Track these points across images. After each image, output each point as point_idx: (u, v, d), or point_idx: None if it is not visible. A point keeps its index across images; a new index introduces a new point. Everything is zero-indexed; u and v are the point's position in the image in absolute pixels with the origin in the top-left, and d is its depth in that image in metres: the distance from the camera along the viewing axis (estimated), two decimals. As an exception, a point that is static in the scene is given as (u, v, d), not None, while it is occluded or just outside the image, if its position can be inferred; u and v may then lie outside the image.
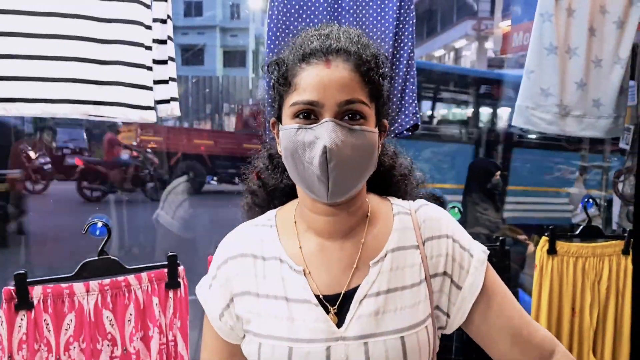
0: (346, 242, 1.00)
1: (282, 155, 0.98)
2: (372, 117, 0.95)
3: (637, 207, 2.46)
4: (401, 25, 1.84)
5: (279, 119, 0.99)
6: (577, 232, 2.24)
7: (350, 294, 0.97)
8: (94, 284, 1.59)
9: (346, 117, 0.92)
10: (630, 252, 2.26)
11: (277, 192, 1.13)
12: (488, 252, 1.04)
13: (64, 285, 1.56)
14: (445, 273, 1.01)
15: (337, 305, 0.96)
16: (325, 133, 0.89)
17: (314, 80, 0.91)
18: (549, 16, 2.11)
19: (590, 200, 2.26)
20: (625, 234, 2.27)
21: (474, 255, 1.02)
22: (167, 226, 4.79)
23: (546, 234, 2.15)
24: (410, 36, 1.83)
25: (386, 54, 1.00)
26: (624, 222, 4.14)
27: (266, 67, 1.03)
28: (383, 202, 1.08)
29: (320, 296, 0.97)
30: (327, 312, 0.96)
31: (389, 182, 1.12)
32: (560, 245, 2.17)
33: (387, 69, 1.01)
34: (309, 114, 0.92)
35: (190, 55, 21.85)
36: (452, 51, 23.28)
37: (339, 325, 0.95)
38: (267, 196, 1.14)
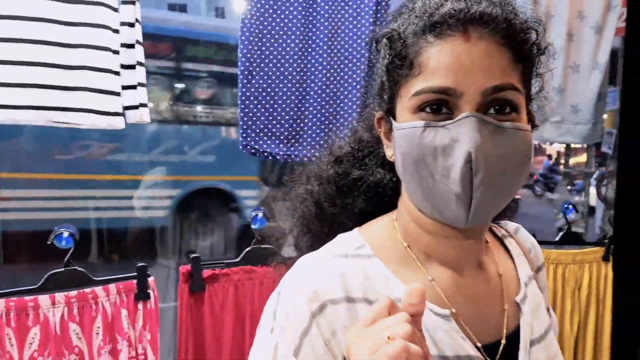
0: (483, 274, 0.77)
1: (398, 164, 0.71)
2: (524, 109, 0.69)
3: (617, 213, 2.46)
4: (377, 29, 1.80)
5: (389, 114, 0.72)
6: (557, 239, 2.23)
7: (511, 341, 0.75)
8: (59, 296, 1.53)
9: (492, 111, 0.65)
10: (611, 259, 2.25)
11: (349, 211, 0.82)
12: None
13: (28, 297, 1.51)
14: (548, 309, 0.85)
15: (499, 356, 0.73)
16: (467, 134, 0.63)
17: (448, 60, 0.64)
18: (528, 21, 2.09)
19: (570, 206, 2.24)
20: (606, 241, 2.25)
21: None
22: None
23: (526, 241, 2.13)
24: (387, 40, 1.80)
25: (540, 18, 0.71)
26: (607, 227, 4.15)
27: (373, 43, 0.76)
28: None
29: (479, 346, 0.72)
30: None
31: None
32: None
33: (542, 40, 0.72)
34: (440, 106, 0.65)
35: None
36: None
37: None
38: (331, 216, 0.83)
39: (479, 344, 0.72)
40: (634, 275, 2.31)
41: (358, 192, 0.82)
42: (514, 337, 0.75)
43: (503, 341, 0.73)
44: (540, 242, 2.14)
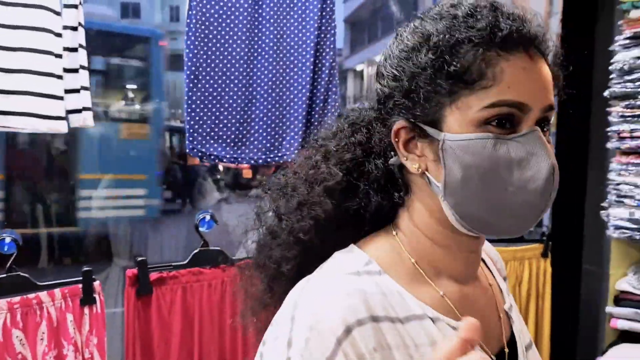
0: (479, 286, 0.79)
1: (456, 176, 0.67)
2: None
3: (555, 211, 2.57)
4: (322, 35, 1.85)
5: (432, 125, 0.68)
6: (497, 237, 2.31)
7: (510, 349, 0.77)
8: (2, 302, 1.52)
9: (542, 128, 0.68)
10: (549, 255, 2.35)
11: (346, 223, 0.77)
12: None
13: (-32, 304, 1.49)
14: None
15: None
16: (541, 147, 0.66)
17: (522, 75, 0.65)
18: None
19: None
20: (544, 238, 2.35)
21: None
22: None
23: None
24: (332, 45, 1.85)
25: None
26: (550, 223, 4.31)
27: (410, 48, 0.69)
28: None
29: (492, 358, 0.74)
30: None
31: None
32: (482, 249, 2.23)
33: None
34: (507, 120, 0.66)
35: (129, 58, 21.32)
36: (393, 56, 23.65)
37: None
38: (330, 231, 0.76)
39: (490, 354, 0.73)
40: (570, 270, 2.43)
41: (358, 217, 0.77)
42: (511, 344, 0.77)
43: (506, 349, 0.75)
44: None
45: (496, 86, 0.65)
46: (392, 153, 0.74)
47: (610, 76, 2.12)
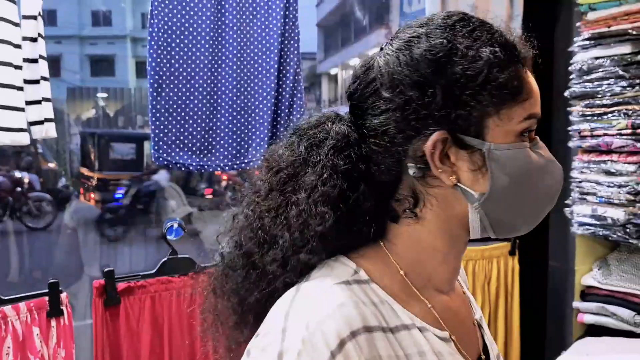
0: (458, 296, 0.81)
1: (502, 184, 0.70)
2: None
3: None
4: (286, 42, 1.86)
5: (475, 135, 0.69)
6: (466, 237, 2.35)
7: (486, 357, 0.80)
8: None
9: None
10: (517, 253, 2.39)
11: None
12: None
13: None
14: None
15: None
16: (550, 155, 0.74)
17: (537, 91, 0.73)
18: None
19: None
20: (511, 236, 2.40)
21: None
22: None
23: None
24: (295, 52, 1.86)
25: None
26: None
27: (438, 58, 0.69)
28: None
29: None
30: None
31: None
32: (451, 249, 2.26)
33: None
34: (528, 132, 0.72)
35: (100, 66, 21.10)
36: (367, 60, 23.77)
37: None
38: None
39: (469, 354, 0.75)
40: (537, 267, 2.47)
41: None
42: (485, 353, 0.80)
43: (483, 356, 0.78)
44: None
45: (529, 100, 0.70)
46: (410, 165, 0.71)
47: (570, 76, 2.17)
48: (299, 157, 0.73)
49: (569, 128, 2.19)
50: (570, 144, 2.18)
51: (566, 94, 2.19)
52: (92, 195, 9.17)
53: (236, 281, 0.74)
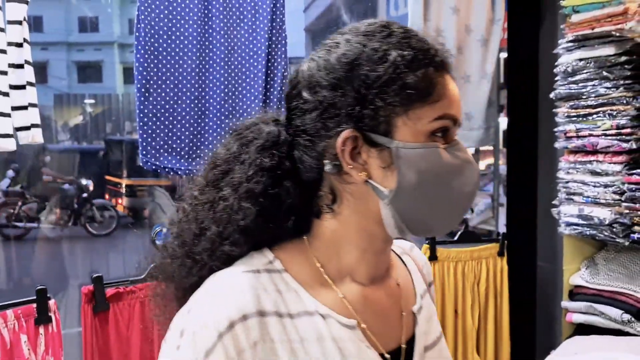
0: (385, 287, 0.83)
1: (410, 181, 0.73)
2: None
3: (509, 210, 2.63)
4: (274, 45, 1.87)
5: (384, 134, 0.73)
6: (456, 238, 2.37)
7: (409, 347, 0.82)
8: None
9: None
10: (505, 254, 2.41)
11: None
12: None
13: None
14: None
15: None
16: (469, 156, 0.76)
17: (454, 94, 0.75)
18: (420, 38, 2.22)
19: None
20: (500, 237, 2.41)
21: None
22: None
23: (426, 242, 2.25)
24: (283, 55, 1.87)
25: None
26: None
27: (352, 60, 0.73)
28: None
29: (385, 355, 0.79)
30: None
31: None
32: (440, 251, 2.27)
33: None
34: (444, 132, 0.75)
35: (88, 72, 21.00)
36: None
37: None
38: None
39: (383, 351, 0.78)
40: (526, 267, 2.49)
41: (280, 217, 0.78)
42: (411, 343, 0.82)
43: (403, 346, 0.81)
44: (441, 242, 2.28)
45: (441, 101, 0.73)
46: (326, 162, 0.74)
47: (556, 78, 2.20)
48: (231, 155, 0.78)
49: (555, 129, 2.21)
50: (557, 144, 2.20)
51: (552, 95, 2.21)
52: (120, 201, 9.22)
53: (174, 268, 0.79)
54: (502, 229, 4.76)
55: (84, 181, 8.94)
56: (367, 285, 0.80)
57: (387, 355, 0.78)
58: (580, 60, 2.11)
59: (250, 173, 0.75)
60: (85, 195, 8.86)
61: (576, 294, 2.26)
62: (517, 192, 2.60)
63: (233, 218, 0.75)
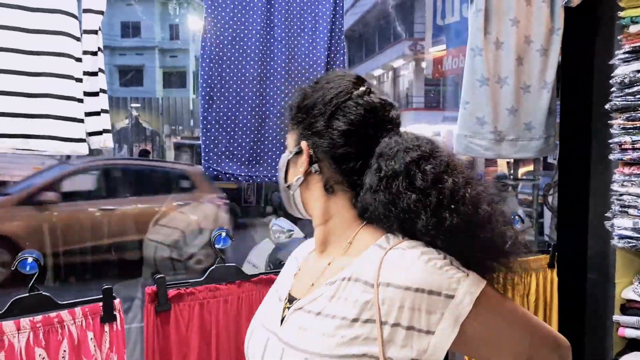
0: (322, 257, 1.08)
1: None
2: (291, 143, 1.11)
3: (560, 222, 2.61)
4: (332, 55, 1.91)
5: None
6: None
7: (292, 299, 1.06)
8: (24, 321, 1.54)
9: None
10: (555, 266, 2.39)
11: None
12: (481, 283, 0.94)
13: (-8, 324, 1.52)
14: (397, 324, 0.92)
15: (287, 304, 1.06)
16: None
17: None
18: (479, 50, 2.23)
19: (517, 217, 2.37)
20: (550, 249, 2.39)
21: (454, 296, 0.92)
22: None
23: (477, 252, 2.25)
24: (341, 65, 1.91)
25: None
26: (553, 234, 4.35)
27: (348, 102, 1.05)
28: (376, 233, 1.01)
29: (290, 296, 1.08)
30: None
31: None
32: (490, 261, 2.27)
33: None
34: None
35: (129, 76, 21.50)
36: (391, 70, 23.84)
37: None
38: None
39: (292, 294, 1.06)
40: (576, 280, 2.46)
41: None
42: (295, 297, 1.05)
43: (295, 298, 1.05)
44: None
45: None
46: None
47: (611, 89, 2.18)
48: None
49: (610, 141, 2.19)
50: (611, 156, 2.18)
51: (607, 106, 2.19)
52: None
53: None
54: (541, 238, 4.68)
55: None
56: (315, 251, 1.11)
57: (287, 297, 1.07)
58: (638, 71, 2.09)
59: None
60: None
61: (628, 308, 2.23)
62: (568, 203, 2.57)
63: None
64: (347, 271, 0.97)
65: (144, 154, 11.85)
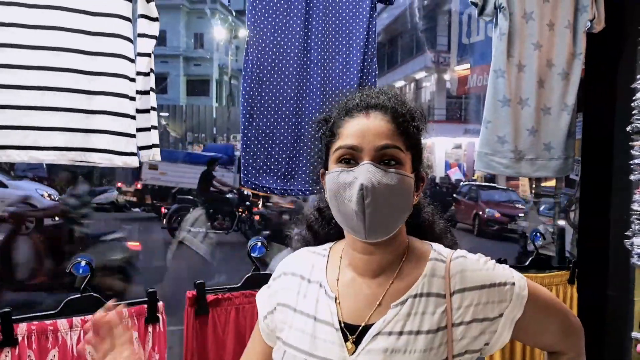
0: (375, 281, 1.09)
1: (328, 198, 1.08)
2: (408, 164, 1.06)
3: (580, 238, 2.67)
4: (364, 77, 2.02)
5: (326, 168, 1.11)
6: (527, 264, 2.43)
7: (368, 328, 1.05)
8: (76, 320, 1.66)
9: (383, 162, 1.03)
10: (575, 282, 2.45)
11: (327, 240, 1.23)
12: (523, 279, 1.12)
13: (47, 322, 1.63)
14: (473, 320, 1.06)
15: (356, 335, 1.05)
16: (362, 173, 1.00)
17: (354, 128, 1.04)
18: (502, 72, 2.32)
19: (538, 233, 2.45)
20: (570, 265, 2.46)
21: (515, 283, 1.09)
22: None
23: (498, 266, 2.32)
24: (373, 87, 2.01)
25: (422, 111, 1.12)
26: (574, 250, 4.39)
27: (315, 125, 1.16)
28: (424, 246, 1.13)
29: (343, 323, 1.07)
30: (347, 340, 1.05)
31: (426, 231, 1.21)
32: (512, 276, 2.33)
33: (423, 124, 1.11)
34: (350, 159, 1.04)
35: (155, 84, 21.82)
36: (413, 82, 23.89)
37: (353, 354, 1.05)
38: (319, 243, 1.23)
39: (343, 321, 1.06)
40: (596, 296, 2.52)
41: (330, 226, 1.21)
42: (368, 326, 1.05)
43: (362, 324, 1.05)
44: (511, 267, 2.33)
45: (340, 138, 1.06)
46: None
47: (632, 112, 2.25)
48: None
49: (631, 162, 2.25)
50: (632, 177, 2.25)
51: (628, 128, 2.26)
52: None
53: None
54: (561, 254, 4.70)
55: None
56: (360, 275, 1.10)
57: (341, 325, 1.06)
58: (659, 95, 2.16)
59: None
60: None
61: (647, 325, 2.28)
62: (589, 222, 2.64)
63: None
64: (415, 289, 1.07)
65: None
